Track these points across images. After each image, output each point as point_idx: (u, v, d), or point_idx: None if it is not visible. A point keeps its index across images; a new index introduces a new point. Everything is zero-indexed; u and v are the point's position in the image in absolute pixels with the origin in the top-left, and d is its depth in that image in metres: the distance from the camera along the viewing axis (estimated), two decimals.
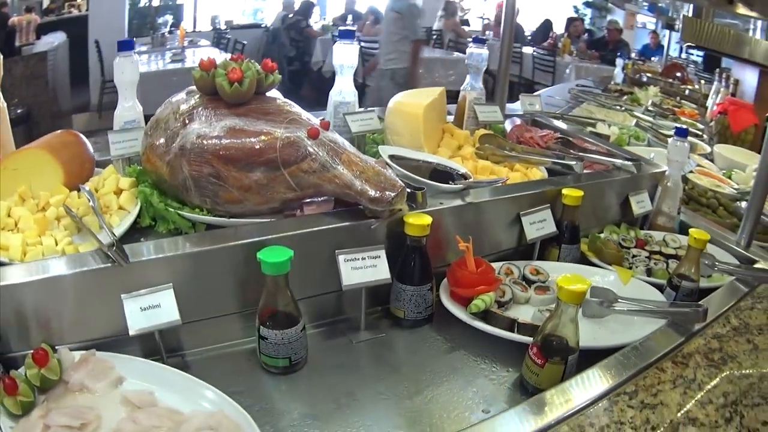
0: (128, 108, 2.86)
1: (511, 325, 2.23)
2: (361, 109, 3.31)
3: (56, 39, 11.98)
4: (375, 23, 14.49)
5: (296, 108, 2.46)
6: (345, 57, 3.24)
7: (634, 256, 2.92)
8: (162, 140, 2.38)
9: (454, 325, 2.33)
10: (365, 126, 3.21)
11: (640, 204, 3.27)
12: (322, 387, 2.04)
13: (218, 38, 14.05)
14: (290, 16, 14.57)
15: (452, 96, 3.87)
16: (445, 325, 2.38)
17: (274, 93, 2.54)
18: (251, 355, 2.15)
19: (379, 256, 2.26)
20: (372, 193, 2.21)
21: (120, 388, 1.90)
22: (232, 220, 2.33)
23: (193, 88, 2.53)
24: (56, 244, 2.23)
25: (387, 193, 2.21)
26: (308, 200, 2.38)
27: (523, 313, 2.34)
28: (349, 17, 16.22)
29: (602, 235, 3.05)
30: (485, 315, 2.28)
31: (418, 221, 2.27)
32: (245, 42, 13.42)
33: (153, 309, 1.97)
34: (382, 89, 8.51)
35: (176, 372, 1.93)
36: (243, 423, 1.73)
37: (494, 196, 2.71)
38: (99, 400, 1.84)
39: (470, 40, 4.27)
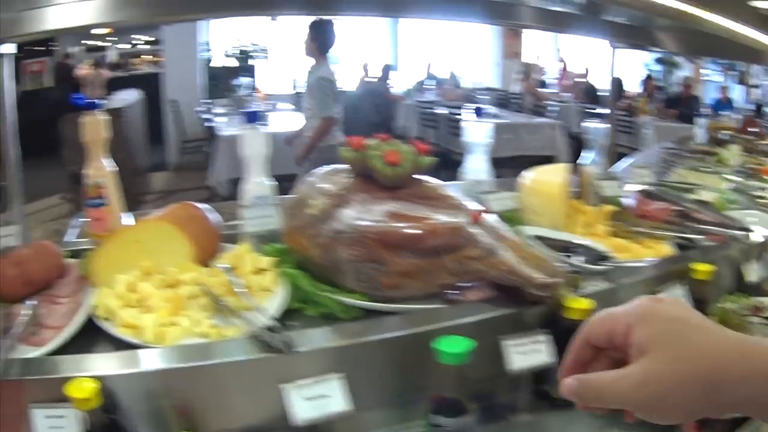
0: (258, 183, 2.88)
1: None
2: (496, 189, 3.34)
3: (130, 96, 12.06)
4: (455, 87, 14.47)
5: (452, 191, 2.49)
6: (476, 134, 3.26)
7: (750, 323, 2.92)
8: (311, 221, 2.40)
9: None
10: (503, 205, 3.23)
11: (753, 271, 3.26)
12: None
13: (298, 101, 14.06)
14: (368, 80, 14.53)
15: (536, 162, 3.88)
16: None
17: None
18: None
19: (543, 341, 2.25)
20: (539, 279, 2.23)
21: None
22: (392, 306, 2.31)
23: (336, 166, 2.57)
24: (194, 326, 2.19)
25: (555, 279, 2.24)
26: (468, 285, 2.36)
27: None
28: (429, 82, 16.25)
29: (721, 305, 3.04)
30: None
31: (580, 305, 2.27)
32: None
33: (319, 399, 1.93)
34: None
35: None
36: None
37: (638, 277, 2.72)
38: None
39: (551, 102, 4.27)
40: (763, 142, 8.11)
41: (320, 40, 7.41)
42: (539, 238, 2.83)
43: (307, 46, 7.46)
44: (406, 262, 2.25)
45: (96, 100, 2.75)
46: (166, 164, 13.31)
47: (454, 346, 1.93)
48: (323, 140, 7.37)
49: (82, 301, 2.30)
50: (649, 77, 16.73)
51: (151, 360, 1.93)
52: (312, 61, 7.53)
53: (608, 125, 3.83)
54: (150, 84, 13.43)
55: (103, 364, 1.90)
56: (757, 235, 3.42)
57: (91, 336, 2.18)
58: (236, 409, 1.99)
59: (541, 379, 2.39)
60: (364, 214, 2.30)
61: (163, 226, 2.52)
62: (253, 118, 2.89)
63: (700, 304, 2.81)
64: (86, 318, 2.22)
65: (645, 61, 18.24)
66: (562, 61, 17.79)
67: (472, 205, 2.43)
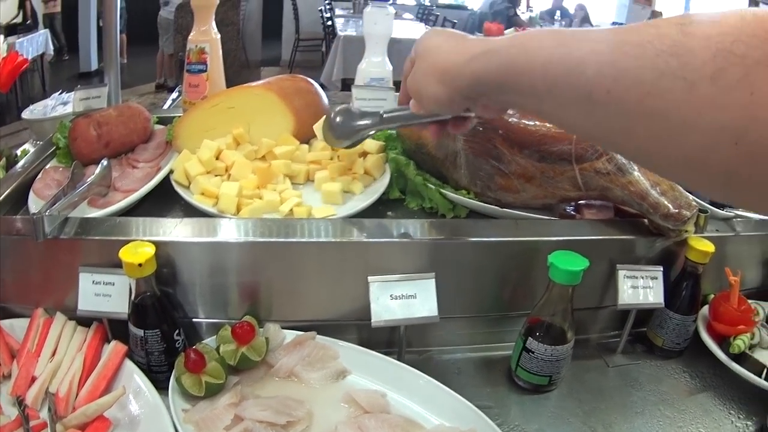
0: (377, 63, 2.76)
1: (761, 370, 2.05)
2: None
3: None
4: (583, 21, 14.42)
5: None
6: None
7: None
8: None
9: (705, 361, 2.16)
10: None
11: None
12: (576, 414, 1.88)
13: (423, 13, 14.25)
14: (499, 2, 14.57)
15: None
16: (695, 359, 2.21)
17: None
18: (495, 363, 2.01)
19: (657, 278, 2.08)
20: (669, 208, 2.04)
21: (341, 383, 1.70)
22: (503, 210, 2.14)
23: None
24: (282, 202, 2.05)
25: (684, 211, 2.04)
26: (586, 202, 2.22)
27: (764, 358, 2.13)
28: (558, 13, 16.24)
29: None
30: (739, 357, 2.10)
31: (704, 247, 2.09)
32: (456, 21, 13.55)
33: (407, 299, 1.78)
34: None
35: (418, 374, 1.73)
36: None
37: (761, 231, 2.49)
38: (312, 394, 1.64)
39: None
40: None
41: None
42: None
43: None
44: (528, 164, 2.08)
45: None
46: (280, 60, 13.47)
47: (569, 263, 1.76)
48: None
49: (162, 167, 2.21)
50: None
51: (220, 229, 1.79)
52: None
53: None
54: None
55: (165, 229, 1.76)
56: None
57: (169, 204, 2.09)
58: (309, 297, 1.85)
59: (642, 321, 2.24)
60: None
61: (264, 93, 2.39)
62: None
63: None
64: (160, 182, 2.14)
65: None
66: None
67: None
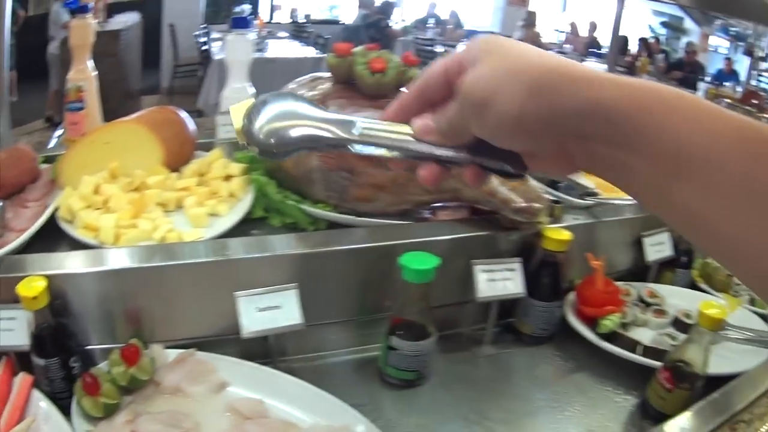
0: (238, 90, 2.79)
1: (634, 347, 2.15)
2: None
3: (130, 19, 12.16)
4: (456, 28, 14.55)
5: None
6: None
7: (737, 284, 2.81)
8: None
9: (576, 344, 2.25)
10: None
11: None
12: (447, 403, 1.96)
13: (297, 31, 14.15)
14: (371, 14, 14.65)
15: None
16: (565, 343, 2.30)
17: None
18: (367, 365, 2.08)
19: (515, 269, 2.17)
20: (518, 203, 2.14)
21: (222, 394, 1.77)
22: (360, 218, 2.23)
23: (319, 74, 2.47)
24: (154, 230, 2.12)
25: (533, 204, 2.14)
26: (441, 204, 2.30)
27: (641, 336, 2.24)
28: (431, 20, 16.35)
29: (708, 261, 2.96)
30: (610, 336, 2.20)
31: (557, 236, 2.19)
32: (329, 36, 13.49)
33: (272, 310, 1.85)
34: None
35: (291, 379, 1.81)
36: None
37: (620, 216, 2.63)
38: (197, 406, 1.71)
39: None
40: (764, 115, 8.11)
41: None
42: None
43: None
44: (379, 174, 2.16)
45: (87, 4, 2.71)
46: (159, 88, 13.42)
47: (418, 263, 1.85)
48: None
49: (49, 204, 2.23)
50: (652, 39, 16.81)
51: (102, 259, 1.84)
52: None
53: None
54: (151, 8, 13.53)
55: (54, 263, 1.81)
56: None
57: (56, 239, 2.11)
58: (186, 317, 1.92)
59: (509, 312, 2.33)
60: None
61: (134, 127, 2.44)
62: (240, 24, 2.83)
63: (686, 255, 2.79)
64: (48, 220, 2.15)
65: (651, 24, 18.31)
66: (572, 24, 17.96)
67: None
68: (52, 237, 2.10)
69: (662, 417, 1.84)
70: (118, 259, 1.84)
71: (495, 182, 2.15)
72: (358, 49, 2.33)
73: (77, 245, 2.04)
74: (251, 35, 2.77)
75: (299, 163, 2.25)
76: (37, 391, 1.69)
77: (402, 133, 1.00)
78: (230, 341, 1.88)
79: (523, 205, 2.14)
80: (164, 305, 1.87)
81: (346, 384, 1.96)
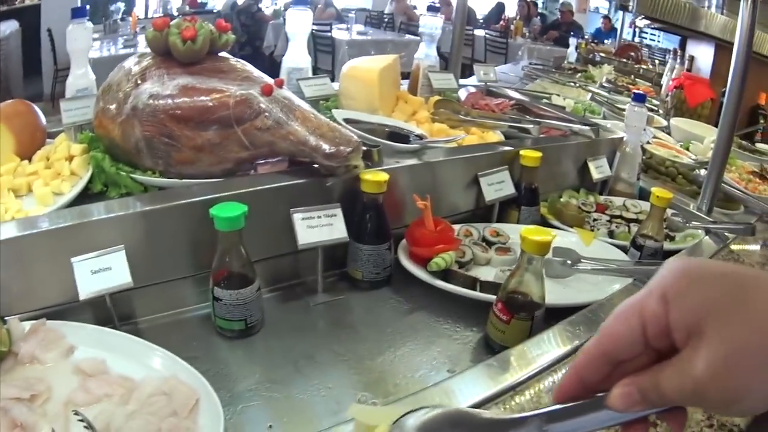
0: (80, 75, 2.85)
1: (473, 283, 2.20)
2: (315, 75, 3.33)
3: (8, 27, 12.00)
4: (326, 7, 14.58)
5: (249, 66, 2.43)
6: (298, 23, 3.34)
7: (595, 220, 2.91)
8: (114, 103, 2.32)
9: (414, 287, 2.30)
10: (319, 91, 3.21)
11: (599, 169, 3.26)
12: (280, 350, 2.00)
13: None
14: (240, 1, 14.63)
15: (405, 76, 3.86)
16: (404, 286, 2.35)
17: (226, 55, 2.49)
18: (206, 320, 2.10)
19: (336, 215, 2.21)
20: (327, 148, 2.17)
21: (71, 357, 1.82)
22: (184, 181, 2.27)
23: (146, 50, 2.49)
24: (5, 212, 2.17)
25: (342, 148, 2.17)
26: (262, 161, 2.33)
27: (485, 274, 2.30)
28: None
29: (562, 200, 3.02)
30: (446, 274, 2.25)
31: (374, 178, 2.23)
32: None
33: (104, 272, 1.89)
34: None
35: (128, 337, 1.86)
36: (198, 387, 1.67)
37: (451, 156, 2.68)
38: (50, 371, 1.76)
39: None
40: (642, 66, 8.23)
41: None
42: (349, 120, 2.74)
43: None
44: (198, 136, 2.19)
45: None
46: (43, 95, 13.27)
47: (227, 211, 1.89)
48: None
49: None
50: (526, 1, 16.95)
51: None
52: None
53: (439, 20, 3.82)
54: (31, 15, 13.38)
55: None
56: (607, 132, 3.39)
57: None
58: (38, 289, 1.94)
59: (343, 261, 2.39)
60: (158, 89, 2.23)
61: None
62: (78, 14, 2.83)
63: (530, 193, 2.83)
64: None
65: None
66: None
67: (266, 79, 2.36)
68: None
69: (504, 350, 1.85)
70: None
71: (304, 131, 2.19)
72: (174, 21, 2.35)
73: None
74: (88, 23, 2.78)
75: (126, 135, 2.28)
76: None
77: (593, 408, 0.88)
78: (79, 308, 1.92)
79: (332, 150, 2.17)
80: (16, 278, 1.90)
81: (185, 339, 2.01)
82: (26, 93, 12.00)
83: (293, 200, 2.19)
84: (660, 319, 0.82)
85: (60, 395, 1.67)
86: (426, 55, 3.87)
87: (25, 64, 12.49)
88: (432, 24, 3.86)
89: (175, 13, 15.41)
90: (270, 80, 2.33)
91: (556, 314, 1.98)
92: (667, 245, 2.61)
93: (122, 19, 13.38)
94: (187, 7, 15.89)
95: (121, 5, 13.73)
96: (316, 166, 2.29)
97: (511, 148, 2.89)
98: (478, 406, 1.55)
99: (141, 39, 11.86)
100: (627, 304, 0.87)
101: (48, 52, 12.73)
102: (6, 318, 1.83)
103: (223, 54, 2.49)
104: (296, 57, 3.41)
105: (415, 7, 17.74)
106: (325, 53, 12.67)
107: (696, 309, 0.79)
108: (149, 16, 15.24)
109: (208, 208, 1.94)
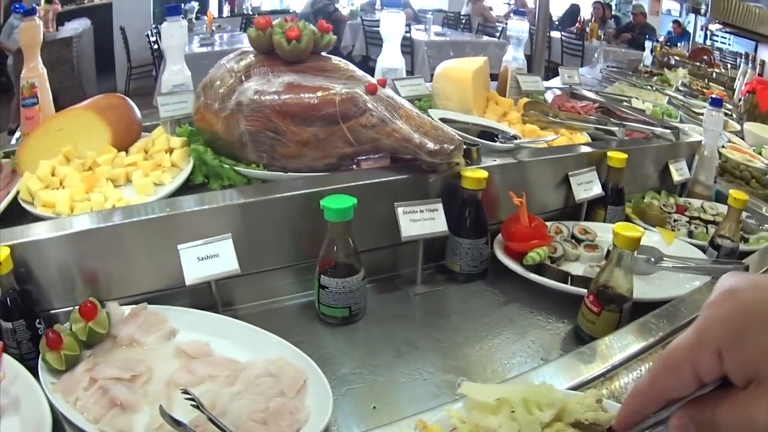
0: (176, 71, 2.94)
1: (565, 277, 2.26)
2: (410, 75, 3.42)
3: (80, 25, 12.08)
4: (404, 7, 14.57)
5: (352, 66, 2.50)
6: (392, 25, 3.41)
7: (675, 221, 2.94)
8: (217, 98, 2.41)
9: (509, 280, 2.35)
10: (414, 91, 3.29)
11: (680, 171, 3.28)
12: (381, 336, 2.07)
13: (246, 24, 14.06)
14: (318, 1, 14.65)
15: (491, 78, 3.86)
16: (499, 279, 2.40)
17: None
18: (308, 308, 2.18)
19: (437, 209, 2.28)
20: (431, 145, 2.23)
21: (173, 340, 1.90)
22: (290, 174, 2.34)
23: (246, 48, 2.59)
24: (105, 200, 2.26)
25: (446, 145, 2.24)
26: (364, 156, 2.39)
27: (574, 269, 2.34)
28: (378, 2, 16.31)
29: (644, 200, 3.07)
30: (539, 269, 2.31)
31: (475, 175, 2.29)
32: None
33: (211, 259, 1.97)
34: None
35: (233, 321, 1.95)
36: (306, 368, 1.73)
37: (544, 156, 2.74)
38: (150, 353, 1.83)
39: (504, 18, 4.34)
40: (715, 69, 8.18)
41: None
42: (445, 120, 2.79)
43: None
44: (303, 131, 2.27)
45: (33, 7, 2.81)
46: (116, 91, 13.24)
47: (337, 203, 1.96)
48: None
49: (10, 191, 2.36)
50: (601, 3, 16.81)
51: (57, 227, 1.95)
52: None
53: (526, 23, 3.86)
54: (103, 14, 13.43)
55: (16, 234, 1.91)
56: (686, 136, 3.42)
57: (20, 220, 2.18)
58: (138, 274, 2.02)
59: (442, 254, 2.45)
60: (263, 86, 2.31)
61: (83, 113, 2.59)
62: (173, 11, 2.89)
63: (616, 193, 2.86)
64: (11, 204, 2.30)
65: None
66: None
67: (369, 78, 2.44)
68: (16, 219, 2.19)
69: (593, 341, 1.88)
70: (71, 224, 1.95)
71: (409, 129, 2.27)
72: (276, 21, 2.44)
73: (39, 222, 2.12)
74: (183, 21, 2.86)
75: (230, 129, 2.37)
76: (6, 356, 1.77)
77: None
78: (180, 294, 2.02)
79: (436, 147, 2.24)
80: (117, 265, 1.98)
81: (287, 325, 2.07)
82: (99, 89, 12.00)
83: (396, 195, 2.27)
84: (715, 371, 0.84)
85: (162, 376, 1.74)
86: (514, 57, 3.89)
87: (98, 61, 12.56)
88: (519, 27, 3.89)
89: (251, 12, 15.47)
90: (373, 80, 2.39)
91: (641, 308, 2.01)
92: (742, 246, 2.64)
93: (197, 18, 13.45)
94: (260, 6, 15.99)
95: (195, 4, 13.78)
96: (417, 162, 2.35)
97: (599, 150, 2.93)
98: (573, 389, 1.59)
99: (217, 38, 11.87)
100: (677, 356, 0.88)
101: (121, 49, 12.78)
102: (105, 302, 1.92)
103: (325, 54, 2.55)
104: (390, 58, 3.49)
105: (491, 8, 17.68)
106: (404, 53, 12.45)
107: (754, 360, 0.80)
108: (223, 15, 15.31)
109: (313, 201, 2.02)
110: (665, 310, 1.99)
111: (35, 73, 2.82)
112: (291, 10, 16.01)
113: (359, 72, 2.47)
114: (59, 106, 2.84)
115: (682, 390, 0.88)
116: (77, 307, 1.82)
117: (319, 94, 2.26)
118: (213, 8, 15.32)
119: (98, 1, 13.33)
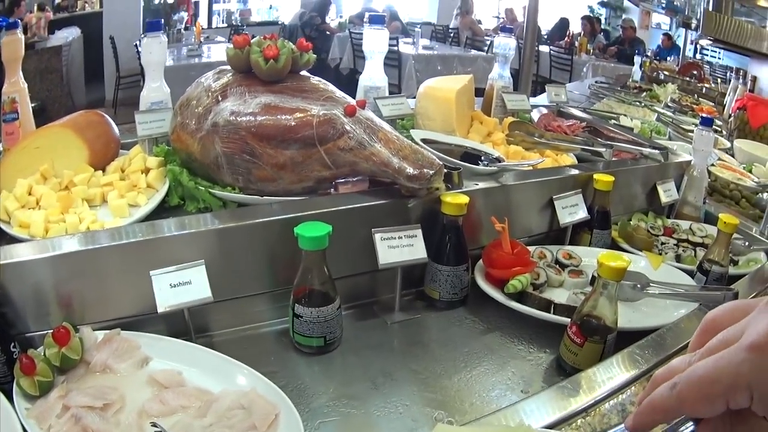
0: (155, 89, 2.87)
1: (548, 306, 2.21)
2: (392, 94, 3.34)
3: (70, 34, 12.09)
4: (392, 20, 14.58)
5: (331, 87, 2.45)
6: (375, 42, 3.33)
7: (662, 243, 2.91)
8: (193, 118, 2.36)
9: (489, 308, 2.31)
10: (396, 110, 3.23)
11: (667, 193, 3.25)
12: (357, 367, 2.02)
13: (235, 34, 14.13)
14: (307, 12, 14.69)
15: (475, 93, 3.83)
16: (479, 307, 2.36)
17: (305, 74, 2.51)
18: (283, 335, 2.13)
19: (416, 236, 2.24)
20: (410, 170, 2.19)
21: (146, 368, 1.85)
22: (265, 198, 2.29)
23: (224, 67, 2.53)
24: (80, 222, 2.21)
25: (425, 170, 2.20)
26: (342, 180, 2.35)
27: (558, 296, 2.30)
28: (366, 15, 16.37)
29: (631, 223, 3.03)
30: (521, 296, 2.26)
31: (455, 200, 2.25)
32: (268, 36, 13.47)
33: (183, 286, 1.93)
34: None
35: (205, 350, 1.90)
36: (278, 402, 1.69)
37: (528, 179, 2.69)
38: (123, 381, 1.79)
39: (493, 32, 4.31)
40: (704, 84, 8.19)
41: None
42: (427, 141, 2.77)
43: None
44: (279, 154, 2.22)
45: (16, 20, 2.77)
46: (104, 101, 13.31)
47: (312, 231, 1.91)
48: None
49: None
50: (590, 18, 16.85)
51: (32, 250, 1.91)
52: None
53: (513, 40, 3.82)
54: (93, 23, 13.46)
55: None
56: (675, 156, 3.38)
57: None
58: (114, 299, 1.98)
59: (421, 281, 2.40)
60: (239, 107, 2.26)
61: (61, 131, 2.55)
62: (153, 27, 2.84)
63: (602, 216, 2.83)
64: None
65: (590, 4, 18.41)
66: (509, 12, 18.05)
67: (348, 99, 2.39)
68: None
69: (576, 372, 1.87)
70: (46, 247, 1.90)
71: (388, 153, 2.22)
72: (255, 39, 2.39)
73: (15, 242, 2.08)
74: (163, 37, 2.81)
75: (206, 150, 2.32)
76: None
77: None
78: (154, 320, 1.96)
79: (415, 172, 2.19)
80: (91, 288, 1.94)
81: (262, 353, 2.04)
82: (88, 98, 12.07)
83: (374, 220, 2.22)
84: (744, 405, 0.84)
85: (134, 405, 1.71)
86: (500, 75, 3.85)
87: (87, 70, 12.57)
88: (506, 44, 3.84)
89: (239, 24, 15.52)
90: (352, 101, 2.35)
91: (626, 336, 1.98)
92: (731, 270, 2.61)
93: (186, 29, 13.46)
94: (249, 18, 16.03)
95: (185, 15, 13.81)
96: (396, 186, 2.30)
97: (585, 172, 2.90)
98: (551, 427, 1.56)
99: (205, 48, 11.92)
100: (716, 391, 0.86)
101: (110, 59, 12.79)
102: (78, 326, 1.88)
103: (304, 73, 2.51)
104: (373, 75, 3.42)
105: (480, 22, 17.74)
106: (391, 67, 12.51)
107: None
108: (212, 26, 15.34)
109: (289, 227, 1.97)
110: (651, 340, 1.95)
111: (16, 88, 2.78)
112: (280, 22, 16.07)
113: (338, 93, 2.42)
114: (47, 115, 2.81)
115: (709, 414, 0.89)
116: (51, 332, 1.78)
117: (297, 115, 2.21)
118: (203, 19, 15.39)
119: (89, 9, 13.35)
